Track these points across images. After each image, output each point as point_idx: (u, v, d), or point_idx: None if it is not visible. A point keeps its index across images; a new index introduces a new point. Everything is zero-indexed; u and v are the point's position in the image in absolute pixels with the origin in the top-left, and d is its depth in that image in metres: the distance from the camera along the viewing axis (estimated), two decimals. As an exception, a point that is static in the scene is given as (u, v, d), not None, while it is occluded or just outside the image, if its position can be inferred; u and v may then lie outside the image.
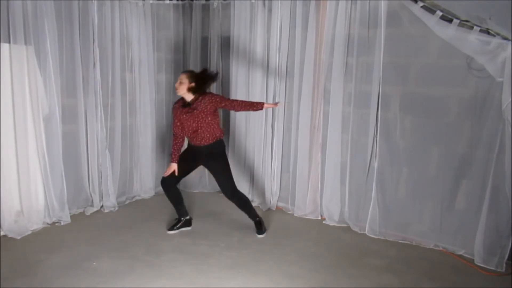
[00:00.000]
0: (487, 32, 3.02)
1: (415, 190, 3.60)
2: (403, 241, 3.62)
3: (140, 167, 4.65)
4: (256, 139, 4.50)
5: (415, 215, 3.62)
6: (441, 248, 3.47)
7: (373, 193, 3.74)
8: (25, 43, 3.45)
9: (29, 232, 3.55)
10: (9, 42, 3.37)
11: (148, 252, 3.27)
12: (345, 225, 3.96)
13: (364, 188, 3.84)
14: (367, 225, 3.77)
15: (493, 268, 3.13)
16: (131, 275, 2.91)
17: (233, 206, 4.48)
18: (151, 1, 4.47)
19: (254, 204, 4.49)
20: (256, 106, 3.58)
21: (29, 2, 3.41)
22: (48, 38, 3.58)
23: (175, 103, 3.63)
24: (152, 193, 4.75)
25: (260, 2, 4.32)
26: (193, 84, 3.44)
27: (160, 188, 4.84)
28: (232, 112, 4.72)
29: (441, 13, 3.16)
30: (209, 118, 3.47)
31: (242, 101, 3.62)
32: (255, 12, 4.36)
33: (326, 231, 3.86)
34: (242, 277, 2.93)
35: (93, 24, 3.97)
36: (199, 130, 3.48)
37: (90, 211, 4.10)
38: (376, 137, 3.72)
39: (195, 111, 3.45)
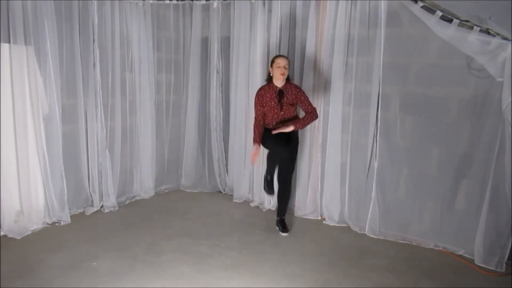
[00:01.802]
0: (487, 32, 3.02)
1: (415, 190, 3.60)
2: (403, 241, 3.62)
3: (140, 167, 4.65)
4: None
5: (415, 215, 3.62)
6: (441, 248, 3.48)
7: (373, 193, 3.74)
8: (25, 43, 3.45)
9: (29, 232, 3.55)
10: (9, 42, 3.37)
11: (148, 252, 3.27)
12: (345, 225, 3.96)
13: (364, 188, 3.84)
14: (367, 225, 3.77)
15: (493, 268, 3.13)
16: (131, 275, 2.90)
17: (233, 206, 4.51)
18: (151, 1, 4.47)
19: (254, 204, 4.51)
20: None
21: (29, 2, 3.41)
22: (48, 38, 3.58)
23: (260, 89, 3.67)
24: (152, 193, 4.75)
25: (260, 2, 4.32)
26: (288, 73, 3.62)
27: (160, 188, 4.89)
28: (232, 110, 4.72)
29: (441, 13, 3.16)
30: (294, 107, 3.63)
31: (311, 116, 3.64)
32: (255, 12, 4.37)
33: (326, 231, 3.86)
34: (242, 277, 2.93)
35: (93, 24, 3.97)
36: (288, 118, 3.61)
37: (90, 211, 4.10)
38: (376, 137, 3.72)
39: (285, 98, 3.57)
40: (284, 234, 3.72)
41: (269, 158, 3.75)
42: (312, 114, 3.59)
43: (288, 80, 3.64)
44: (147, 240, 3.50)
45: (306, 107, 3.61)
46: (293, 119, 3.62)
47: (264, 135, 3.66)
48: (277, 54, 4.01)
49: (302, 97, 3.60)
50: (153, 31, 4.57)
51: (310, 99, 4.10)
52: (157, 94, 4.74)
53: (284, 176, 3.74)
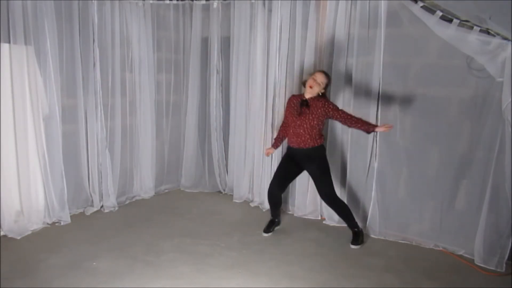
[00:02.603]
0: (487, 32, 3.02)
1: (415, 190, 3.60)
2: (403, 241, 3.62)
3: (140, 167, 4.65)
4: (256, 139, 4.50)
5: (415, 215, 3.62)
6: (441, 248, 3.47)
7: (373, 193, 3.74)
8: (25, 43, 3.45)
9: (29, 232, 3.54)
10: (9, 42, 3.37)
11: (148, 252, 3.27)
12: (345, 225, 3.95)
13: (364, 188, 3.84)
14: (367, 225, 3.77)
15: (493, 268, 3.13)
16: (131, 275, 2.90)
17: (234, 206, 4.51)
18: (151, 1, 4.47)
19: (254, 204, 4.51)
20: (369, 128, 3.35)
21: (29, 2, 3.41)
22: (48, 38, 3.58)
23: (292, 96, 3.69)
24: (152, 193, 4.75)
25: (260, 2, 4.32)
26: (324, 91, 3.49)
27: (160, 188, 4.90)
28: (232, 110, 4.72)
29: (441, 13, 3.16)
30: (315, 122, 3.41)
31: (357, 118, 3.37)
32: (255, 12, 4.37)
33: (326, 231, 3.86)
34: (242, 277, 2.93)
35: (93, 24, 3.97)
36: (302, 131, 3.45)
37: (90, 211, 4.10)
38: (376, 137, 3.72)
39: (305, 110, 3.43)
40: (353, 247, 3.49)
41: (277, 169, 3.79)
42: (353, 118, 3.37)
43: (323, 97, 3.50)
44: (147, 240, 3.50)
45: (341, 115, 3.37)
46: (309, 134, 3.43)
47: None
48: (279, 55, 3.97)
49: (331, 107, 3.39)
50: (153, 31, 4.57)
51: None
52: (157, 94, 4.74)
53: (325, 196, 3.57)
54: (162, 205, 4.49)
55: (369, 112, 3.73)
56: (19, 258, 3.10)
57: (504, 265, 3.13)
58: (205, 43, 4.85)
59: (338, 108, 3.45)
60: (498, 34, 2.98)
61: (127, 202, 4.48)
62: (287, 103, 3.66)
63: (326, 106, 3.40)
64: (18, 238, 3.43)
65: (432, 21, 3.22)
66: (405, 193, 3.67)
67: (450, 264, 3.24)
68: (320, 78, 3.44)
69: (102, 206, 4.20)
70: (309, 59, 4.05)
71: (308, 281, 2.90)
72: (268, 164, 4.42)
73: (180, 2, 4.72)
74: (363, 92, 3.78)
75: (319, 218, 4.16)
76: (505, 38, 2.96)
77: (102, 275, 2.88)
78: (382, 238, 3.68)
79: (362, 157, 3.83)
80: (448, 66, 3.35)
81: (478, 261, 3.21)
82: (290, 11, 4.14)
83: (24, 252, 3.20)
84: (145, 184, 4.70)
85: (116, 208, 4.24)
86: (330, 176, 3.53)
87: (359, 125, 3.38)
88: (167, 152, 4.97)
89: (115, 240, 3.47)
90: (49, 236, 3.54)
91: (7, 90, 3.42)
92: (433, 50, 3.41)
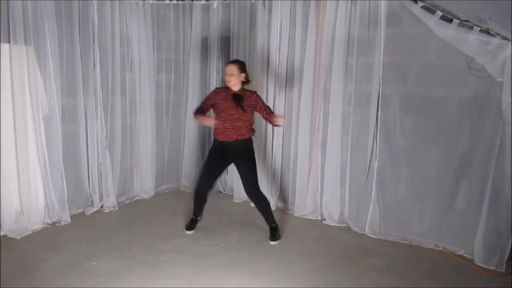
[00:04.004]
0: (487, 32, 3.02)
1: (415, 190, 3.60)
2: (403, 241, 3.62)
3: (140, 167, 4.65)
4: (256, 139, 4.48)
5: (415, 215, 3.62)
6: (441, 248, 3.48)
7: (373, 193, 3.74)
8: (25, 43, 3.45)
9: (29, 232, 3.55)
10: (9, 42, 3.37)
11: (148, 252, 3.27)
12: (345, 225, 3.96)
13: (364, 188, 3.84)
14: (367, 225, 3.77)
15: (493, 268, 3.13)
16: (131, 275, 2.90)
17: (233, 206, 4.52)
18: (151, 1, 4.47)
19: (253, 204, 4.50)
20: (272, 119, 3.45)
21: (29, 2, 3.41)
22: (48, 38, 3.58)
23: (217, 88, 3.76)
24: (152, 193, 4.75)
25: (260, 2, 4.32)
26: (243, 75, 3.52)
27: (160, 188, 4.90)
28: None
29: (441, 13, 3.16)
30: (251, 115, 3.53)
31: (270, 110, 3.55)
32: (255, 12, 4.37)
33: (326, 231, 3.86)
34: (242, 277, 2.93)
35: (93, 24, 3.97)
36: (241, 124, 3.47)
37: (90, 211, 4.10)
38: (376, 137, 3.72)
39: (243, 103, 3.45)
40: (273, 243, 3.56)
41: (203, 167, 3.73)
42: (269, 108, 3.54)
43: (243, 85, 3.53)
44: (147, 240, 3.50)
45: (265, 112, 3.49)
46: (246, 127, 3.50)
47: (212, 143, 3.68)
48: (279, 55, 3.96)
49: (260, 102, 3.50)
50: (153, 31, 4.57)
51: (310, 99, 4.11)
52: (157, 94, 4.74)
53: (249, 190, 3.60)
54: (162, 205, 4.49)
55: (369, 112, 3.73)
56: (19, 258, 3.10)
57: (504, 265, 3.13)
58: (205, 43, 4.85)
59: (264, 102, 3.57)
60: (498, 34, 2.98)
61: (127, 202, 4.48)
62: (214, 95, 3.56)
63: (257, 99, 3.51)
64: (18, 238, 3.43)
65: (432, 21, 3.22)
66: (405, 193, 3.67)
67: (450, 264, 3.24)
68: (230, 68, 3.48)
69: (102, 206, 4.20)
70: (309, 59, 4.05)
71: (308, 281, 2.90)
72: (268, 164, 4.43)
73: (180, 2, 4.73)
74: (363, 92, 3.78)
75: (319, 218, 4.16)
76: (505, 38, 2.96)
77: (102, 275, 2.88)
78: (382, 238, 3.68)
79: (362, 157, 3.83)
80: (448, 66, 3.35)
81: (478, 261, 3.22)
82: (290, 11, 4.14)
83: (24, 252, 3.20)
84: (145, 184, 4.70)
85: (116, 208, 4.24)
86: (256, 170, 3.61)
87: (269, 116, 3.47)
88: (167, 152, 4.98)
89: (115, 240, 3.48)
90: (49, 236, 3.54)
91: (7, 90, 3.42)
92: (433, 50, 3.41)
